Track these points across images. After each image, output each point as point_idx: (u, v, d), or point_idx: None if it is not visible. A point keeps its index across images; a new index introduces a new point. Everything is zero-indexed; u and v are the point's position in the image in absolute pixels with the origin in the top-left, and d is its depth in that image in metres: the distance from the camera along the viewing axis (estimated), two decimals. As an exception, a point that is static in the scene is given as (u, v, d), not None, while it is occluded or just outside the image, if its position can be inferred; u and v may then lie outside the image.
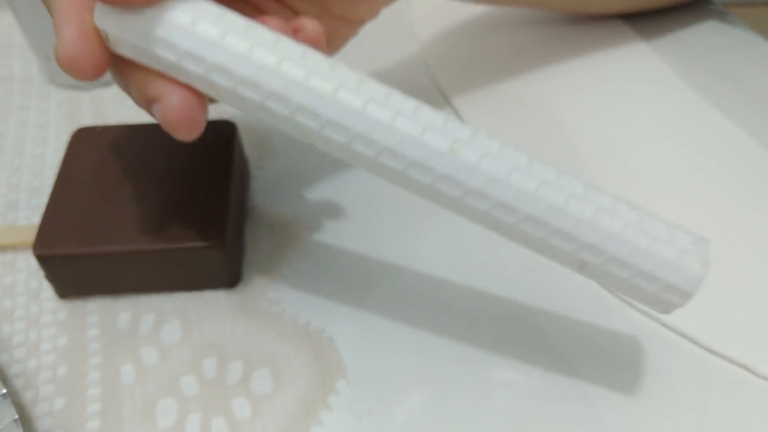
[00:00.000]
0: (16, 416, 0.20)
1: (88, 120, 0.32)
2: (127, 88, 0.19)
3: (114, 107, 0.33)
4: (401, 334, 0.23)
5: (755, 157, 0.29)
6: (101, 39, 0.17)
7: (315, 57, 0.17)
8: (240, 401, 0.21)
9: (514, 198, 0.17)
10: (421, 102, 0.17)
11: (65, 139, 0.31)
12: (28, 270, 0.26)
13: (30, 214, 0.28)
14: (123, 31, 0.17)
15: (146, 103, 0.18)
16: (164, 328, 0.24)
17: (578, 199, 0.17)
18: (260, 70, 0.16)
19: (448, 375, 0.22)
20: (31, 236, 0.23)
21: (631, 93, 0.33)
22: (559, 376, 0.22)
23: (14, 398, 0.21)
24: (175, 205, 0.24)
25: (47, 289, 0.25)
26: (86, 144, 0.26)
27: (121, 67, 0.18)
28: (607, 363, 0.23)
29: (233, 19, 0.17)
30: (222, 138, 0.26)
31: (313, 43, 0.20)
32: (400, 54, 0.36)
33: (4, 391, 0.21)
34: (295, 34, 0.20)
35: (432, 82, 0.34)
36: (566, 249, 0.17)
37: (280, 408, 0.21)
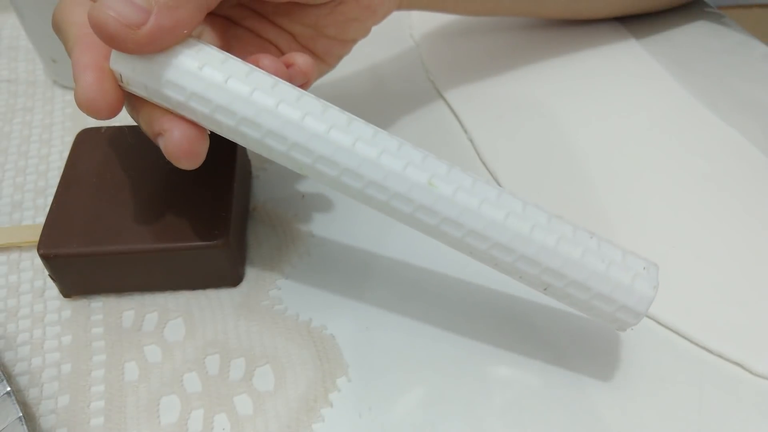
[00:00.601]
0: (21, 414, 0.20)
1: (93, 121, 0.32)
2: (136, 120, 0.21)
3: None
4: (401, 332, 0.24)
5: (749, 157, 0.30)
6: (115, 83, 0.19)
7: (309, 100, 0.19)
8: (242, 398, 0.22)
9: (485, 227, 0.19)
10: (404, 140, 0.19)
11: (70, 140, 0.31)
12: (32, 269, 0.26)
13: (35, 213, 0.28)
14: (136, 74, 0.18)
15: (153, 136, 0.20)
16: (168, 326, 0.24)
17: (542, 228, 0.19)
18: (260, 111, 0.18)
19: (448, 372, 0.22)
20: (35, 236, 0.23)
21: (626, 94, 0.33)
22: (556, 373, 0.22)
23: (18, 396, 0.22)
24: (179, 205, 0.24)
25: (52, 288, 0.25)
26: (90, 145, 0.26)
27: (132, 102, 0.20)
28: (604, 360, 0.23)
29: (235, 64, 0.19)
30: (225, 139, 0.26)
31: (304, 74, 0.22)
32: (399, 55, 0.36)
33: (9, 389, 0.21)
34: (289, 67, 0.22)
35: (430, 83, 0.34)
36: (531, 272, 0.19)
37: (282, 405, 0.22)
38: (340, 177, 0.19)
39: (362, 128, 0.19)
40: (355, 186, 0.19)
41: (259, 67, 0.20)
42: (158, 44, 0.18)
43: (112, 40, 0.17)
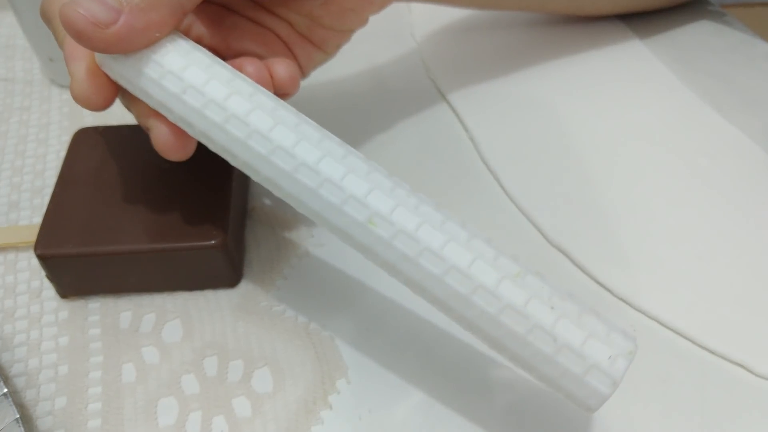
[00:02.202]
0: (18, 415, 0.20)
1: (90, 120, 0.32)
2: (129, 110, 0.21)
3: (115, 108, 0.32)
4: (401, 333, 0.23)
5: (752, 156, 0.30)
6: (107, 77, 0.19)
7: (284, 112, 0.18)
8: (241, 400, 0.22)
9: (422, 278, 0.17)
10: (376, 166, 0.18)
11: (67, 139, 0.31)
12: (29, 269, 0.26)
13: (32, 213, 0.28)
14: (114, 73, 0.19)
15: (144, 129, 0.20)
16: (165, 328, 0.24)
17: (486, 292, 0.17)
18: (229, 118, 0.18)
19: (448, 374, 0.22)
20: (32, 236, 0.23)
21: (628, 92, 0.33)
22: (558, 375, 0.22)
23: (15, 397, 0.22)
24: (176, 205, 0.24)
25: (49, 289, 0.25)
26: (88, 144, 0.26)
27: (125, 94, 0.20)
28: (606, 362, 0.23)
29: (196, 72, 0.18)
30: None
31: (285, 83, 0.22)
32: (400, 54, 0.36)
33: (6, 390, 0.21)
34: (272, 75, 0.22)
35: (431, 81, 0.34)
36: (477, 335, 0.17)
37: (280, 407, 0.21)
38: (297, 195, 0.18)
39: (334, 147, 0.18)
40: (312, 206, 0.18)
41: (243, 73, 0.20)
42: (128, 45, 0.18)
43: (80, 37, 0.17)
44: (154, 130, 0.19)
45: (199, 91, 0.18)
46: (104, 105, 0.19)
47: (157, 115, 0.19)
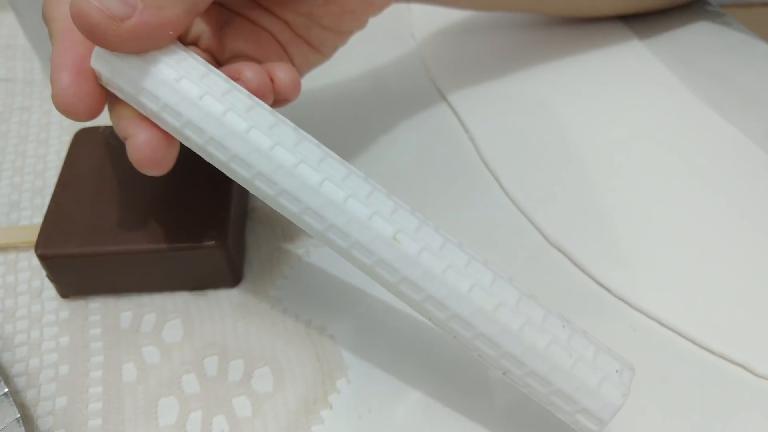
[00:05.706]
0: (18, 415, 0.20)
1: (91, 121, 0.32)
2: (110, 117, 0.20)
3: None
4: (401, 333, 0.23)
5: (752, 156, 0.30)
6: (94, 85, 0.18)
7: (282, 128, 0.18)
8: (241, 399, 0.22)
9: (445, 296, 0.17)
10: (377, 186, 0.18)
11: (67, 139, 0.31)
12: (30, 269, 0.26)
13: (32, 213, 0.28)
14: (114, 76, 0.18)
15: (121, 138, 0.19)
16: (166, 327, 0.24)
17: (508, 308, 0.17)
18: (229, 133, 0.18)
19: (448, 374, 0.22)
20: (33, 236, 0.23)
21: (628, 93, 0.33)
22: (558, 375, 0.22)
23: (16, 397, 0.22)
24: (177, 206, 0.24)
25: (49, 289, 0.25)
26: (88, 144, 0.26)
27: (109, 98, 0.19)
28: (606, 362, 0.23)
29: (215, 80, 0.18)
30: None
31: (287, 89, 0.21)
32: (400, 55, 0.36)
33: (6, 390, 0.21)
34: (272, 81, 0.21)
35: (431, 82, 0.34)
36: (489, 353, 0.18)
37: (281, 406, 0.21)
38: (301, 214, 0.18)
39: (336, 168, 0.18)
40: (316, 227, 0.18)
41: (242, 78, 0.20)
42: (141, 42, 0.17)
43: (93, 32, 0.17)
44: (133, 139, 0.18)
45: (217, 99, 0.18)
46: (87, 114, 0.18)
47: (140, 123, 0.18)
